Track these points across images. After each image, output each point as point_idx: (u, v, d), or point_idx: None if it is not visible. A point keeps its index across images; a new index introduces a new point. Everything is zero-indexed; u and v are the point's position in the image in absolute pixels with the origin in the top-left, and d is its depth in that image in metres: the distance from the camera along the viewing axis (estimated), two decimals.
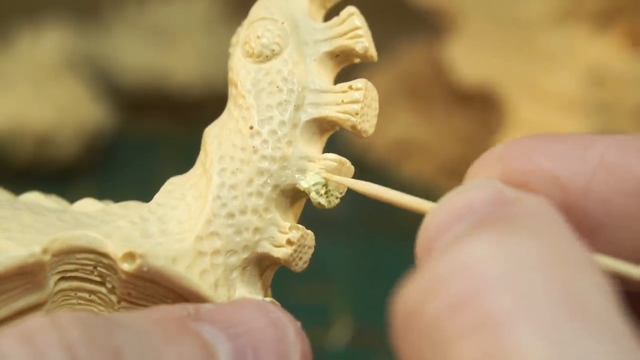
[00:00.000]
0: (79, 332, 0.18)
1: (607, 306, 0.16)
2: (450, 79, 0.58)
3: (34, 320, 0.19)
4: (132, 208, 0.24)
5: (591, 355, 0.15)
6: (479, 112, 0.61)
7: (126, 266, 0.22)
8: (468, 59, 0.58)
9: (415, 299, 0.17)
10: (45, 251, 0.22)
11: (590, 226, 0.19)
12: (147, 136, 0.64)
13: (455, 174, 0.59)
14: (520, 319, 0.15)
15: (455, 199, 0.19)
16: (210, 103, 0.63)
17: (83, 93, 0.59)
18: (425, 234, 0.19)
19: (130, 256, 0.22)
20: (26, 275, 0.22)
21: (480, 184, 0.19)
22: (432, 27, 0.63)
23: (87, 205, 0.24)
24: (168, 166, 0.60)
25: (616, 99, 0.54)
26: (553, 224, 0.18)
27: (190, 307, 0.21)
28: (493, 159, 0.20)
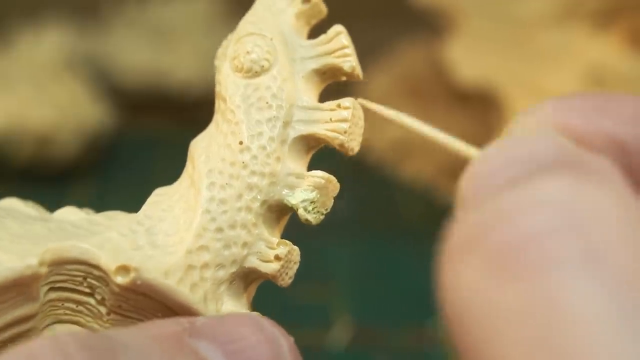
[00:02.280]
0: (82, 356, 0.18)
1: None
2: (450, 78, 0.58)
3: (36, 342, 0.19)
4: (117, 219, 0.24)
5: None
6: (479, 112, 0.61)
7: (120, 279, 0.22)
8: (468, 58, 0.58)
9: (474, 231, 0.16)
10: (41, 263, 0.21)
11: None
12: (147, 136, 0.64)
13: (455, 174, 0.59)
14: (583, 268, 0.14)
15: (510, 144, 0.17)
16: (210, 103, 0.63)
17: (83, 93, 0.59)
18: (472, 179, 0.17)
19: (124, 269, 0.22)
20: (20, 287, 0.21)
21: (538, 132, 0.18)
22: (432, 27, 0.63)
23: (70, 214, 0.24)
24: (168, 166, 0.60)
25: None
26: (621, 185, 0.16)
27: (184, 321, 0.21)
28: (543, 116, 0.19)
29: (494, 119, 0.58)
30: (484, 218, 0.16)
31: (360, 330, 0.45)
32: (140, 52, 0.65)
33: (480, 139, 0.67)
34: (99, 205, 0.52)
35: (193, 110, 0.64)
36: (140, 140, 0.63)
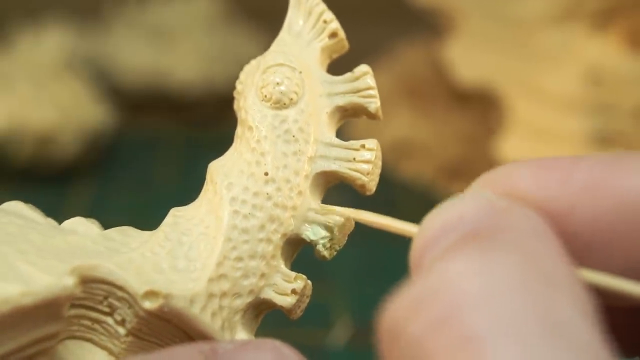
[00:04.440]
0: None
1: (586, 327, 0.16)
2: (449, 79, 0.58)
3: None
4: (131, 235, 0.23)
5: None
6: (479, 112, 0.61)
7: (148, 304, 0.22)
8: (467, 58, 0.58)
9: (399, 316, 0.17)
10: (77, 284, 0.21)
11: (580, 247, 0.19)
12: (147, 136, 0.64)
13: (455, 174, 0.60)
14: (498, 340, 0.15)
15: (447, 210, 0.19)
16: (210, 103, 0.63)
17: (83, 93, 0.59)
18: (416, 246, 0.19)
19: (153, 294, 0.22)
20: (53, 307, 0.21)
21: (472, 195, 0.19)
22: (431, 27, 0.63)
23: (79, 224, 0.24)
24: (168, 166, 0.60)
25: (615, 98, 0.54)
26: (539, 238, 0.18)
27: (206, 348, 0.21)
28: (493, 178, 0.20)
29: (493, 119, 0.58)
30: (403, 305, 0.17)
31: (360, 330, 0.45)
32: (140, 52, 0.65)
33: (479, 139, 0.67)
34: (99, 205, 0.53)
35: (193, 110, 0.64)
36: (140, 140, 0.63)
